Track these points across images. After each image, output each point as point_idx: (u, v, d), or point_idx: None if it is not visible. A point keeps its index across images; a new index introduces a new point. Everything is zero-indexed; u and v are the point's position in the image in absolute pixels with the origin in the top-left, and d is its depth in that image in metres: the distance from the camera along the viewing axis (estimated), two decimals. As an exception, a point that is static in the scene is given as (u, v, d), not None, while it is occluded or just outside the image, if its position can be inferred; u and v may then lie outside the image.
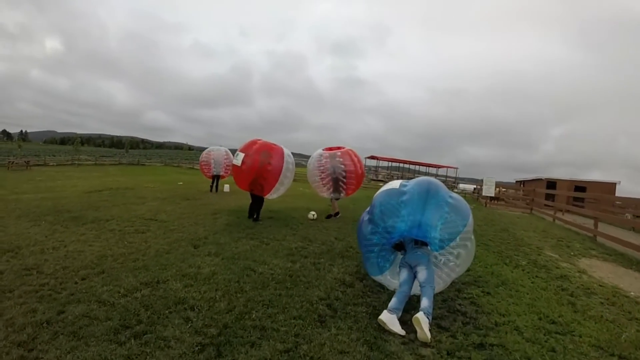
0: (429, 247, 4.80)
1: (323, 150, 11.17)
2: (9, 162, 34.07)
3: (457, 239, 4.49)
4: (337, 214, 11.22)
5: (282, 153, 9.80)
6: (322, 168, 10.75)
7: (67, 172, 28.36)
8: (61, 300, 4.25)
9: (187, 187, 19.30)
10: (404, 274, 4.61)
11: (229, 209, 11.16)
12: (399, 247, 4.99)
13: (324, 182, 10.79)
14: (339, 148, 11.18)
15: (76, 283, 4.77)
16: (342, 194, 11.01)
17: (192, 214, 10.18)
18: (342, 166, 10.66)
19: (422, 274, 4.46)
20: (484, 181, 23.82)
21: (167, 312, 4.03)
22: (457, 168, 47.93)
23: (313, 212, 10.92)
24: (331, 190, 10.85)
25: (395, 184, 4.91)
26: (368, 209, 5.23)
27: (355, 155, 10.99)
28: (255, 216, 9.85)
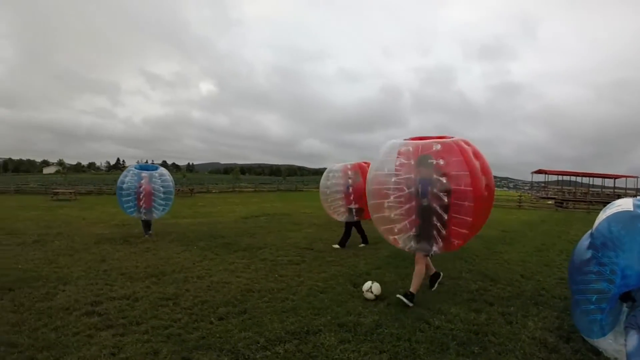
0: None
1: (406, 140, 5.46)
2: (175, 189, 38.24)
3: None
4: (436, 277, 5.79)
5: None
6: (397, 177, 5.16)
7: (228, 199, 30.55)
8: (190, 343, 3.73)
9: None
10: (634, 340, 3.12)
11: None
12: (626, 297, 3.37)
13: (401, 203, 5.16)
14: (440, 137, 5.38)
15: (212, 323, 4.24)
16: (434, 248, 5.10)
17: (350, 243, 9.37)
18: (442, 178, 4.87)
19: None
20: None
21: (315, 382, 3.07)
22: (637, 177, 39.98)
23: (370, 286, 5.32)
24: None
25: (626, 204, 3.38)
26: (588, 238, 3.71)
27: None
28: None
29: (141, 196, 9.64)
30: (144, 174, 9.87)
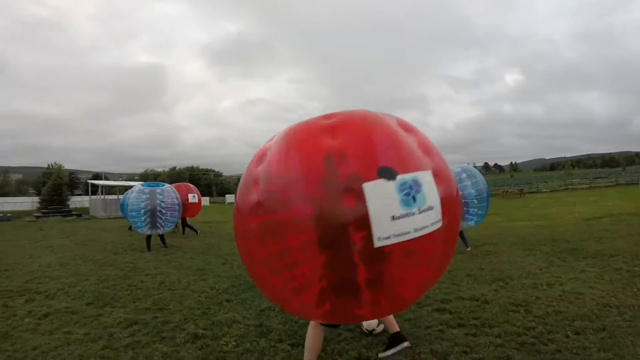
0: None
1: None
2: (503, 191, 38.08)
3: None
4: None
5: None
6: None
7: (561, 198, 28.27)
8: (545, 355, 3.66)
9: None
10: None
11: None
12: None
13: None
14: None
15: (567, 337, 4.03)
16: None
17: None
18: None
19: None
20: None
21: None
22: None
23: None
24: None
25: None
26: None
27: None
28: None
29: None
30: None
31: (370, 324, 4.24)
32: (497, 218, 16.15)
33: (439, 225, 2.38)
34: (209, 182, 59.93)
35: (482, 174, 9.05)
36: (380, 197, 2.20)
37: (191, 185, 16.21)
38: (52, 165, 52.63)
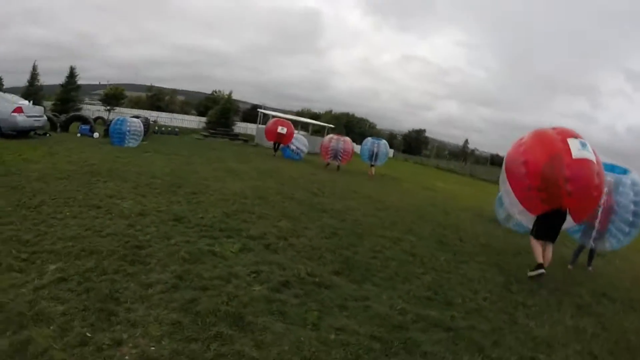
0: None
1: None
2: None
3: None
4: None
5: None
6: None
7: None
8: None
9: None
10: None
11: None
12: None
13: None
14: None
15: None
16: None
17: None
18: None
19: None
20: None
21: None
22: None
23: None
24: None
25: None
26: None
27: None
28: None
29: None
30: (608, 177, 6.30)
31: None
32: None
33: (594, 159, 5.63)
34: (362, 131, 58.10)
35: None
36: (574, 144, 5.58)
37: (284, 120, 20.98)
38: (216, 92, 54.46)
